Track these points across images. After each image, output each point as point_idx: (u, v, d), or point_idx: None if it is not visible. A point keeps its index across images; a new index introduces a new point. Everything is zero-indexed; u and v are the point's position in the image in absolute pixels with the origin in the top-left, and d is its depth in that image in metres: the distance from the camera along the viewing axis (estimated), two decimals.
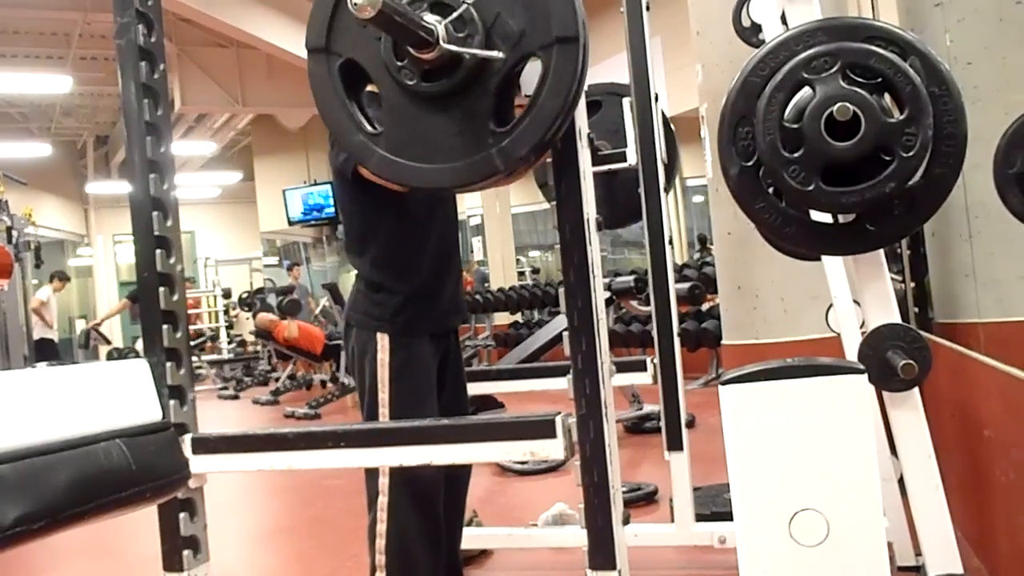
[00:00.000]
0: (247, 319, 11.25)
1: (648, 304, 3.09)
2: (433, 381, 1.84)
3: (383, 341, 1.78)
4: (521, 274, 12.23)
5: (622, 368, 2.40)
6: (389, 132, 1.22)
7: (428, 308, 1.83)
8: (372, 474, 1.77)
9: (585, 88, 1.19)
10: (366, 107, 1.26)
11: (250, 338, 11.82)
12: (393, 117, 1.22)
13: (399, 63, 1.18)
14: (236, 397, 9.42)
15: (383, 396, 1.76)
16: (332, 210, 14.11)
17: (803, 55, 1.26)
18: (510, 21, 1.15)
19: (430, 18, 1.14)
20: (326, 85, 1.24)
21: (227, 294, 12.46)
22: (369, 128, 1.23)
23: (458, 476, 1.96)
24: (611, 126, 2.53)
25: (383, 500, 1.74)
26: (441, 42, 1.12)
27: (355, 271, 1.90)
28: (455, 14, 1.15)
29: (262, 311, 8.66)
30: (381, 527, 1.74)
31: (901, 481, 1.45)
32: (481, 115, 1.17)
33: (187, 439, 1.39)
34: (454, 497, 1.97)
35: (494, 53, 1.15)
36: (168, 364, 1.39)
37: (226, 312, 12.47)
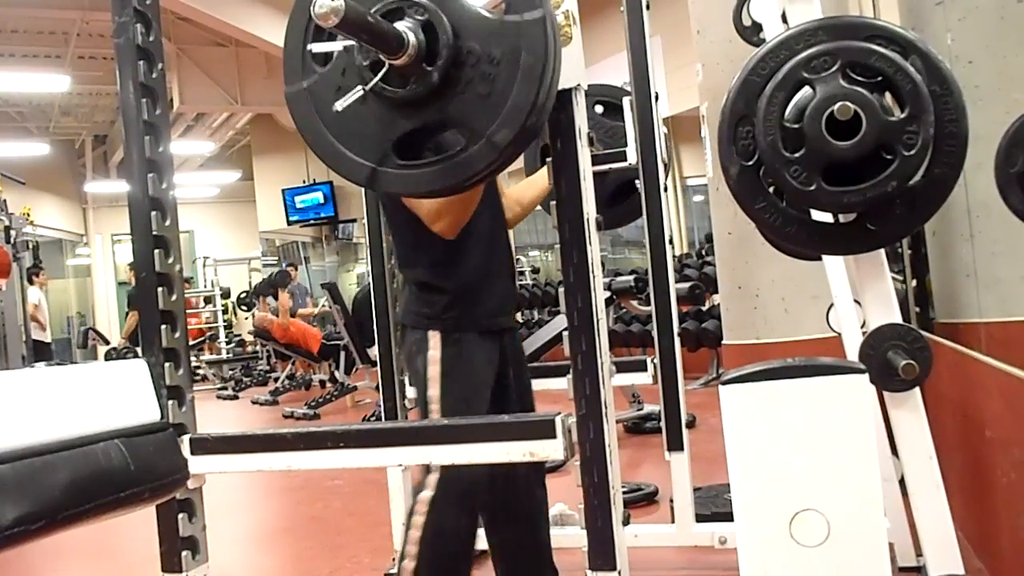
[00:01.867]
0: (246, 319, 11.25)
1: (648, 304, 3.09)
2: (487, 378, 1.81)
3: (434, 339, 1.78)
4: (521, 274, 12.23)
5: (622, 368, 2.40)
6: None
7: (478, 305, 1.82)
8: (423, 468, 1.77)
9: (557, 88, 1.18)
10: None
11: (249, 338, 11.82)
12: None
13: (373, 70, 1.17)
14: (235, 397, 9.41)
15: (432, 392, 1.76)
16: (331, 210, 14.15)
17: (803, 54, 1.26)
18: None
19: (400, 24, 1.13)
20: (302, 93, 1.24)
21: (226, 294, 12.46)
22: None
23: (530, 467, 1.92)
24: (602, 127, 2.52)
25: (427, 494, 1.73)
26: (409, 48, 1.12)
27: (404, 272, 1.89)
28: (425, 20, 1.14)
29: (261, 293, 8.65)
30: (418, 519, 1.73)
31: (902, 481, 1.45)
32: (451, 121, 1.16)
33: (186, 440, 1.38)
34: (530, 486, 1.94)
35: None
36: (167, 364, 1.39)
37: (225, 312, 12.47)
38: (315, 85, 1.23)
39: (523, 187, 2.10)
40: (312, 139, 1.24)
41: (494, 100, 1.14)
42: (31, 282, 8.69)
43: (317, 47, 1.21)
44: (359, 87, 1.17)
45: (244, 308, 12.63)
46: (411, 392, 2.39)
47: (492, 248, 1.89)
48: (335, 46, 1.19)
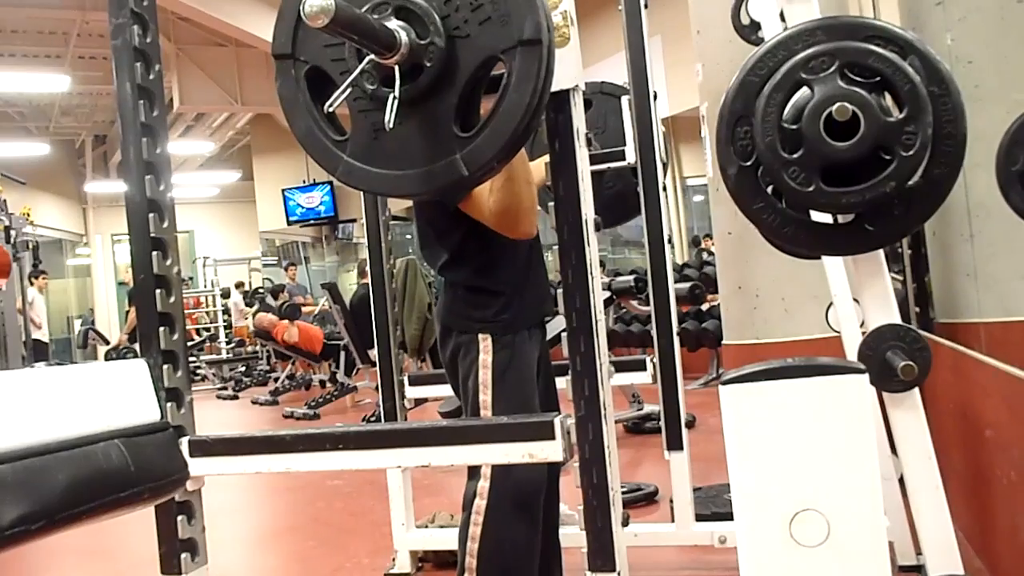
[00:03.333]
0: (247, 317, 11.25)
1: (648, 304, 3.09)
2: (535, 380, 1.79)
3: (485, 342, 1.74)
4: None
5: (622, 368, 2.40)
6: (355, 139, 1.21)
7: (527, 301, 1.79)
8: (473, 474, 1.72)
9: (551, 90, 1.18)
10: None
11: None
12: (358, 123, 1.21)
13: (362, 68, 1.16)
14: (235, 397, 9.41)
15: (484, 398, 1.72)
16: (331, 210, 14.15)
17: (802, 55, 1.26)
18: (473, 25, 1.14)
19: (392, 24, 1.13)
20: (292, 92, 1.24)
21: (226, 294, 12.46)
22: (336, 135, 1.23)
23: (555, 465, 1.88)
24: (600, 125, 2.52)
25: (480, 503, 1.68)
26: (402, 47, 1.11)
27: (447, 276, 1.84)
28: (417, 19, 1.14)
29: (261, 311, 8.66)
30: (475, 530, 1.68)
31: (902, 481, 1.44)
32: (445, 120, 1.16)
33: (184, 442, 1.38)
34: (552, 482, 1.89)
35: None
36: (165, 366, 1.39)
37: (224, 312, 12.47)
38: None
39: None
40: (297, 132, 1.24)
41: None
42: (31, 282, 8.70)
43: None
44: (347, 84, 1.17)
45: (246, 305, 12.63)
46: (416, 392, 2.39)
47: (534, 247, 1.86)
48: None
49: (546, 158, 1.30)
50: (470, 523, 1.69)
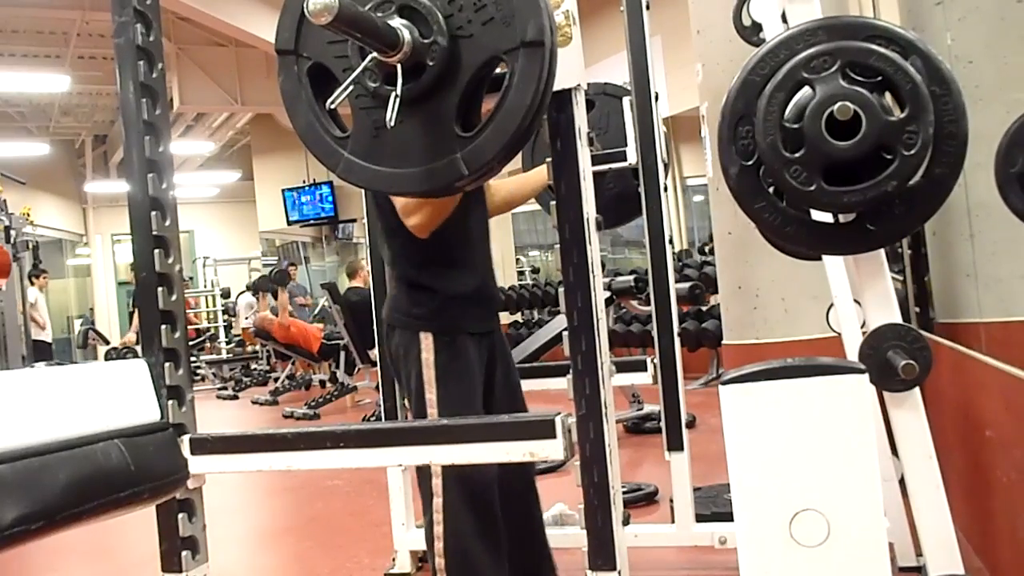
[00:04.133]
0: (247, 318, 11.25)
1: (648, 304, 3.09)
2: (478, 377, 1.81)
3: (426, 340, 1.76)
4: (521, 274, 12.24)
5: (622, 368, 2.40)
6: (356, 136, 1.22)
7: (468, 305, 1.81)
8: (424, 475, 1.75)
9: (552, 91, 1.18)
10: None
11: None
12: (359, 121, 1.21)
13: (365, 66, 1.16)
14: (235, 397, 9.41)
15: (431, 396, 1.74)
16: (331, 210, 14.15)
17: (803, 54, 1.26)
18: (476, 25, 1.14)
19: (395, 22, 1.13)
20: (295, 88, 1.24)
21: (226, 294, 12.46)
22: (337, 132, 1.23)
23: (527, 471, 1.92)
24: (603, 125, 2.52)
25: (437, 501, 1.71)
26: (405, 46, 1.12)
27: (394, 272, 1.86)
28: (420, 18, 1.14)
29: (260, 289, 8.66)
30: (438, 529, 1.71)
31: (902, 481, 1.45)
32: (446, 119, 1.16)
33: (185, 440, 1.38)
34: (524, 486, 1.93)
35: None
36: (166, 364, 1.39)
37: (225, 312, 12.48)
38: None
39: (511, 182, 2.09)
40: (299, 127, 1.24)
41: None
42: (31, 282, 8.70)
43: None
44: (349, 82, 1.17)
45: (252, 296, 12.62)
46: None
47: (481, 249, 1.89)
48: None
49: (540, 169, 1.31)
50: (433, 523, 1.72)
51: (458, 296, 1.79)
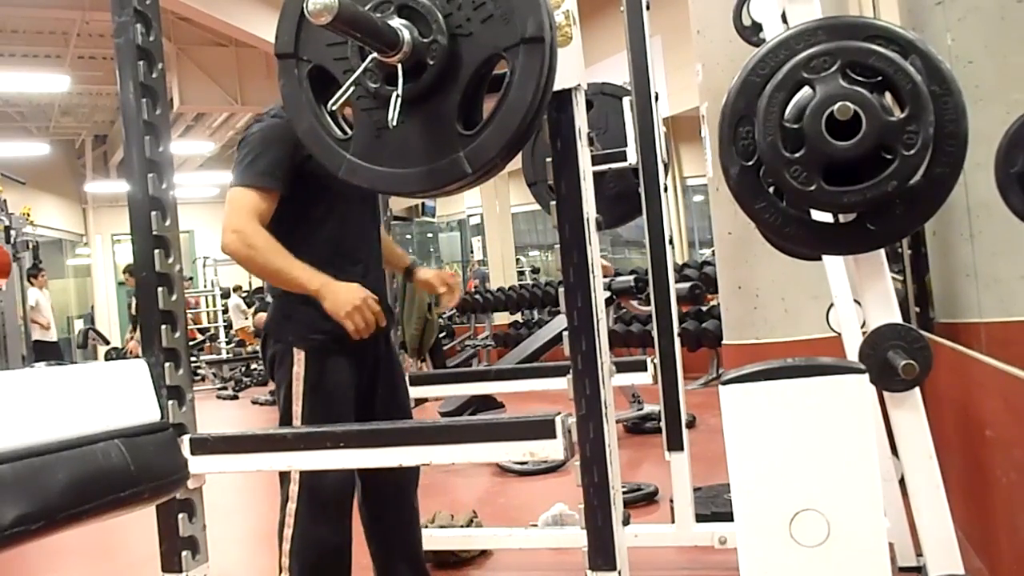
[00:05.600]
0: (247, 317, 11.25)
1: (648, 304, 3.09)
2: (351, 398, 1.82)
3: (299, 356, 1.78)
4: (521, 273, 12.23)
5: (622, 368, 2.40)
6: (358, 137, 1.22)
7: (338, 325, 1.73)
8: (284, 478, 1.79)
9: (553, 89, 1.18)
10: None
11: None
12: (361, 122, 1.21)
13: (365, 67, 1.16)
14: (235, 397, 9.41)
15: (296, 410, 1.77)
16: None
17: (803, 54, 1.26)
18: (476, 23, 1.14)
19: (394, 22, 1.13)
20: (295, 91, 1.24)
21: (226, 294, 12.46)
22: (338, 133, 1.23)
23: (403, 479, 1.95)
24: (603, 125, 2.52)
25: (291, 506, 1.77)
26: (405, 46, 1.12)
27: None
28: (420, 17, 1.14)
29: (262, 310, 8.66)
30: (288, 531, 1.77)
31: (902, 481, 1.45)
32: (448, 118, 1.17)
33: (186, 440, 1.39)
34: (402, 501, 1.98)
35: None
36: (167, 364, 1.39)
37: (225, 312, 12.48)
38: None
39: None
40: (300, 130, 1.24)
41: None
42: (30, 283, 8.68)
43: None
44: (350, 83, 1.17)
45: (247, 306, 12.63)
46: (416, 392, 2.39)
47: (362, 257, 1.86)
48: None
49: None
50: (284, 524, 1.77)
51: (327, 314, 1.73)
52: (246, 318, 11.25)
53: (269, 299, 1.93)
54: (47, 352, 8.24)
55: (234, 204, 1.72)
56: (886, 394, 1.37)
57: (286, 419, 1.80)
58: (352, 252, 1.84)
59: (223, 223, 1.73)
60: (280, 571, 1.79)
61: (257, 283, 13.26)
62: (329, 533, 1.78)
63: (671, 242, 2.36)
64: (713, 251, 7.92)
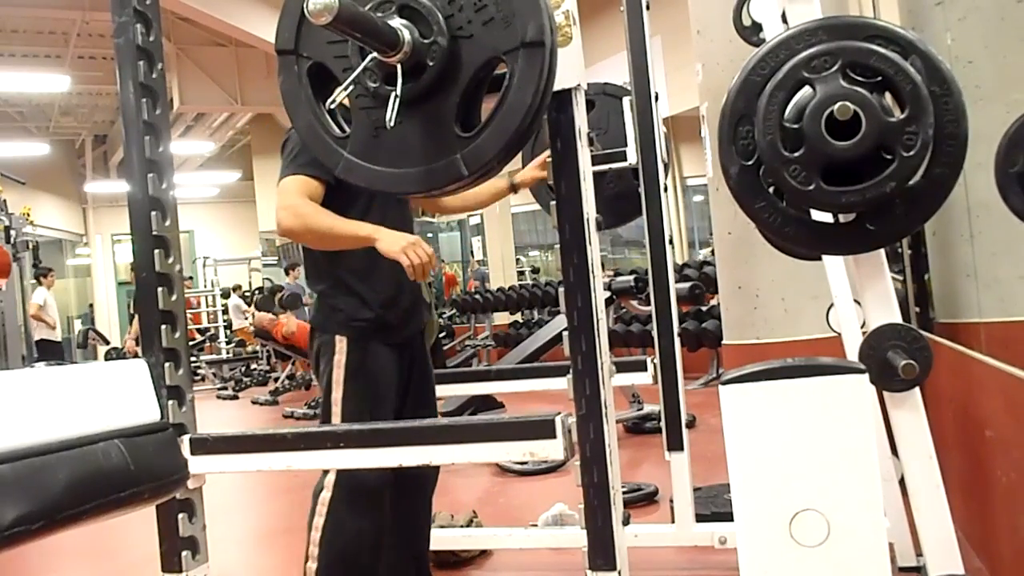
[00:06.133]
0: (247, 317, 11.25)
1: (648, 304, 3.09)
2: (391, 385, 1.85)
3: (341, 344, 1.81)
4: (521, 274, 12.23)
5: (622, 368, 2.40)
6: (356, 136, 1.22)
7: (385, 313, 1.85)
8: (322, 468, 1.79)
9: (552, 91, 1.18)
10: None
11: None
12: (359, 120, 1.21)
13: (365, 66, 1.16)
14: (235, 397, 9.41)
15: (336, 395, 1.79)
16: None
17: (803, 54, 1.26)
18: (477, 25, 1.14)
19: (395, 22, 1.13)
20: (295, 88, 1.24)
21: (226, 294, 12.46)
22: (337, 131, 1.23)
23: (424, 477, 1.96)
24: (603, 125, 2.52)
25: (325, 495, 1.76)
26: (405, 46, 1.12)
27: (320, 278, 1.91)
28: (420, 18, 1.14)
29: (262, 309, 8.66)
30: (319, 520, 1.76)
31: (902, 481, 1.45)
32: (446, 119, 1.16)
33: (186, 440, 1.39)
34: (421, 499, 1.99)
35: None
36: (167, 364, 1.39)
37: (225, 312, 12.48)
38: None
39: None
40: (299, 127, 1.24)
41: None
42: (39, 282, 8.70)
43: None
44: (349, 82, 1.17)
45: (248, 305, 12.63)
46: None
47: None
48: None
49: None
50: (315, 514, 1.76)
51: (374, 304, 1.83)
52: (245, 318, 11.24)
53: (309, 297, 1.96)
54: (51, 351, 8.25)
55: (283, 190, 1.75)
56: (886, 394, 1.37)
57: (325, 406, 1.81)
58: None
59: (276, 210, 1.75)
60: (306, 560, 1.77)
61: (257, 283, 13.28)
62: (366, 523, 1.77)
63: (671, 242, 2.36)
64: (712, 251, 7.95)
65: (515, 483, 3.72)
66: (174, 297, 1.41)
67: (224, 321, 12.40)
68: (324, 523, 1.75)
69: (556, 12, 1.22)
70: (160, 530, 1.41)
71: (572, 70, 1.25)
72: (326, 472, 1.78)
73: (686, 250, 11.65)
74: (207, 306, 12.84)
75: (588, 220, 1.26)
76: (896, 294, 1.43)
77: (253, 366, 10.84)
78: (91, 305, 16.29)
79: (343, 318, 1.83)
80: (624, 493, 2.82)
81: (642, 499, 3.08)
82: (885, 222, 1.29)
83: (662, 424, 2.36)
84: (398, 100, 1.14)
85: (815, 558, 1.10)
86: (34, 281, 9.23)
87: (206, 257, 13.86)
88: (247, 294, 12.32)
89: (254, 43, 9.88)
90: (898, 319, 1.38)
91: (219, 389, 10.22)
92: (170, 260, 1.42)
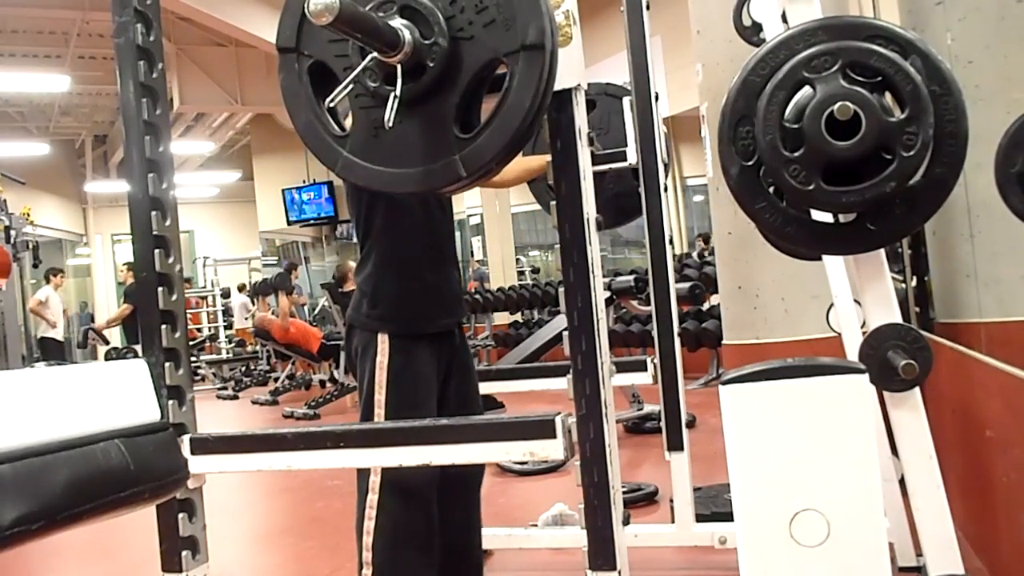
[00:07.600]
0: (246, 319, 11.25)
1: (648, 304, 3.09)
2: (433, 383, 1.83)
3: (383, 343, 1.78)
4: (521, 273, 12.24)
5: (622, 368, 2.40)
6: (355, 135, 1.22)
7: (427, 309, 1.84)
8: (363, 471, 1.77)
9: (552, 93, 1.18)
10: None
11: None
12: (359, 120, 1.21)
13: (365, 65, 1.16)
14: (235, 397, 9.41)
15: (379, 397, 1.76)
16: (331, 210, 14.15)
17: (803, 54, 1.26)
18: (477, 27, 1.14)
19: (396, 22, 1.13)
20: (295, 86, 1.24)
21: (226, 294, 12.46)
22: (336, 130, 1.23)
23: (469, 475, 1.93)
24: (603, 125, 2.52)
25: (372, 498, 1.74)
26: (405, 46, 1.12)
27: (358, 275, 1.90)
28: (421, 19, 1.14)
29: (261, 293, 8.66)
30: (369, 524, 1.73)
31: (902, 481, 1.45)
32: (446, 120, 1.16)
33: (186, 440, 1.39)
34: (466, 497, 1.96)
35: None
36: (167, 364, 1.39)
37: (225, 312, 12.48)
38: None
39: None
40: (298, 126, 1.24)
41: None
42: (47, 280, 8.70)
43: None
44: (349, 81, 1.17)
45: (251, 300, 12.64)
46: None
47: (444, 247, 1.90)
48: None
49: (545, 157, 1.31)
50: (364, 518, 1.73)
51: (418, 296, 1.82)
52: (246, 318, 11.25)
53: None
54: (52, 350, 8.24)
55: None
56: (886, 394, 1.37)
57: (368, 406, 1.78)
58: (440, 247, 1.90)
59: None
60: (360, 568, 1.73)
61: (257, 278, 13.28)
62: (420, 520, 1.75)
63: (671, 242, 2.36)
64: (702, 251, 7.95)
65: (515, 483, 3.72)
66: (174, 297, 1.41)
67: (224, 321, 12.40)
68: (375, 526, 1.72)
69: (556, 12, 1.22)
70: (160, 530, 1.41)
71: (572, 70, 1.25)
72: (364, 475, 1.75)
73: (686, 250, 11.65)
74: (207, 306, 12.84)
75: (588, 220, 1.26)
76: (896, 294, 1.43)
77: (253, 366, 10.84)
78: (84, 303, 16.28)
79: (385, 313, 1.80)
80: (624, 493, 2.82)
81: (642, 499, 3.08)
82: (885, 222, 1.29)
83: (662, 424, 2.36)
84: (397, 100, 1.14)
85: (815, 558, 1.10)
86: (42, 279, 9.24)
87: (206, 257, 13.86)
88: (252, 291, 12.33)
89: (254, 43, 9.88)
90: (898, 319, 1.38)
91: (219, 389, 10.22)
92: (170, 260, 1.42)
